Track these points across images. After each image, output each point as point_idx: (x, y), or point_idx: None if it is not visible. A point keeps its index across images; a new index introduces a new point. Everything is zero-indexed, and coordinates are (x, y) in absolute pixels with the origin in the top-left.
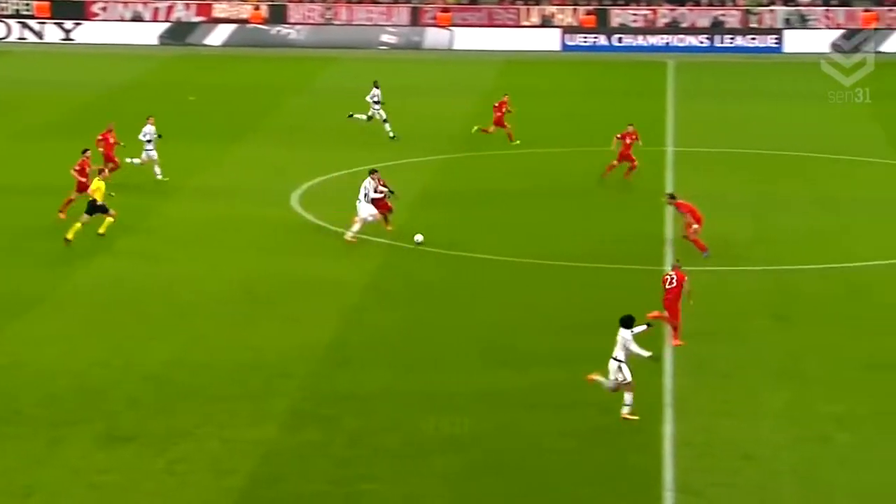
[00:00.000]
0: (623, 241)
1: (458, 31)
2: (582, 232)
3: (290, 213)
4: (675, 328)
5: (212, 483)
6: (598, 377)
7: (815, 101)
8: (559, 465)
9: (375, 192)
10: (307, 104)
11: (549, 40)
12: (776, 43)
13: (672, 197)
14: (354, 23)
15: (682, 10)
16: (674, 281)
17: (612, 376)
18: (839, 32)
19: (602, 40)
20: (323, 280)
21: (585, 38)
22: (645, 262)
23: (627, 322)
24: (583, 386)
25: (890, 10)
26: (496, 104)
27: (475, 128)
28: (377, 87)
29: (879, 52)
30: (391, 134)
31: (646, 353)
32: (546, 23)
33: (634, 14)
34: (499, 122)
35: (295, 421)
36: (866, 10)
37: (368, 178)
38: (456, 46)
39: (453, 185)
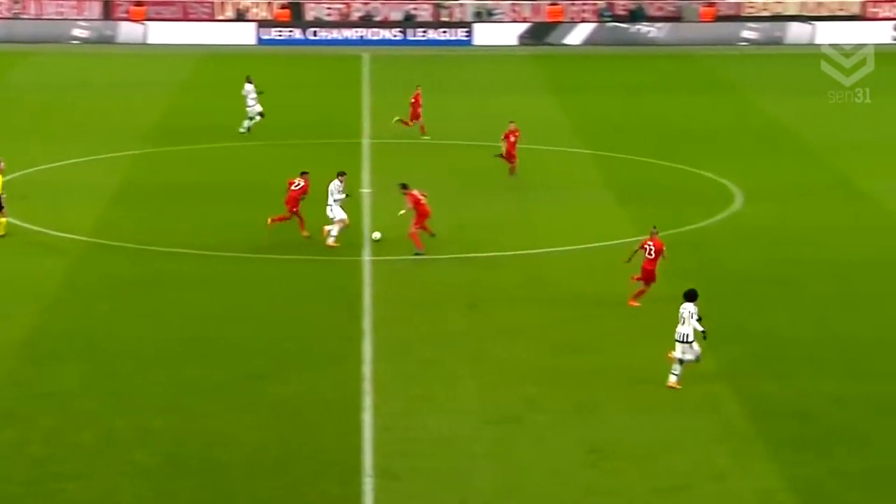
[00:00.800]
0: (321, 232)
1: (153, 26)
2: (279, 225)
3: None
4: (642, 293)
5: None
6: (674, 379)
7: (503, 93)
8: (259, 457)
9: (339, 192)
10: None
11: (244, 34)
12: (466, 36)
13: (404, 186)
14: (44, 17)
15: (375, 3)
16: (652, 251)
17: (688, 353)
18: (526, 26)
19: (297, 34)
20: (17, 277)
21: (280, 31)
22: (343, 254)
23: (693, 296)
24: (282, 377)
25: (572, 4)
26: (412, 98)
27: (396, 118)
28: (250, 83)
29: (563, 45)
30: (243, 129)
31: (702, 329)
32: (241, 17)
33: (329, 8)
34: (415, 116)
35: None
36: (552, 4)
37: (336, 180)
38: (150, 41)
39: (148, 180)
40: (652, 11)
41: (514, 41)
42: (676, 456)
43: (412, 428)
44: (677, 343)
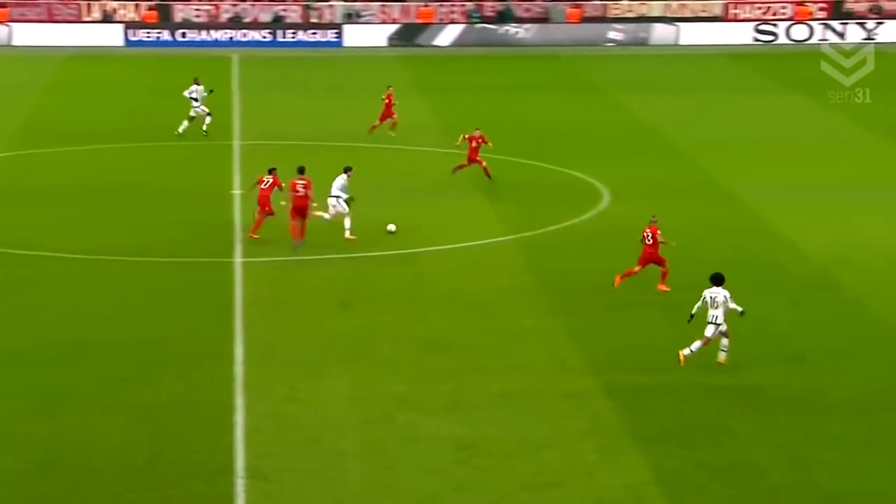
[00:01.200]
0: (193, 234)
1: (17, 27)
2: (150, 226)
3: None
4: (663, 274)
5: None
6: (686, 351)
7: (373, 94)
8: (127, 460)
9: (338, 189)
10: None
11: (111, 36)
12: (336, 37)
13: (301, 169)
14: None
15: (244, 5)
16: (650, 238)
17: (715, 332)
18: (395, 27)
19: (166, 35)
20: None
21: (149, 33)
22: (215, 255)
23: (721, 279)
24: (151, 379)
25: (441, 5)
26: (385, 98)
27: (385, 123)
28: (198, 84)
29: (433, 46)
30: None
31: (740, 308)
32: (108, 18)
33: (197, 9)
34: (386, 115)
35: None
36: (426, 5)
37: (343, 175)
38: (15, 42)
39: (15, 183)
40: (520, 13)
41: (383, 42)
42: (546, 452)
43: (283, 428)
44: (709, 325)
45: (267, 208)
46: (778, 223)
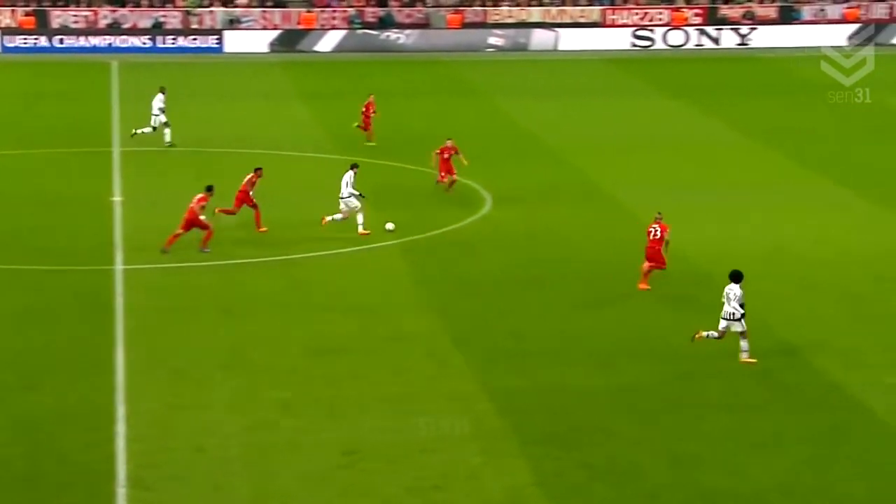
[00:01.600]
0: (72, 241)
1: None
2: (28, 234)
3: None
4: (660, 269)
5: None
6: (704, 333)
7: (254, 100)
8: (4, 472)
9: (348, 185)
10: None
11: None
12: (217, 43)
13: (209, 189)
14: None
15: (123, 11)
16: (657, 233)
17: (736, 325)
18: (277, 33)
19: (43, 41)
20: None
21: (25, 39)
22: (95, 262)
23: (739, 277)
24: (30, 389)
25: (323, 11)
26: (364, 106)
27: (355, 124)
28: (163, 93)
29: (314, 52)
30: (167, 141)
31: (742, 310)
32: None
33: (75, 15)
34: (368, 123)
35: None
36: (308, 11)
37: (350, 172)
38: None
39: None
40: (401, 18)
41: (265, 48)
42: (430, 455)
43: (166, 437)
44: (722, 320)
45: (244, 204)
46: None
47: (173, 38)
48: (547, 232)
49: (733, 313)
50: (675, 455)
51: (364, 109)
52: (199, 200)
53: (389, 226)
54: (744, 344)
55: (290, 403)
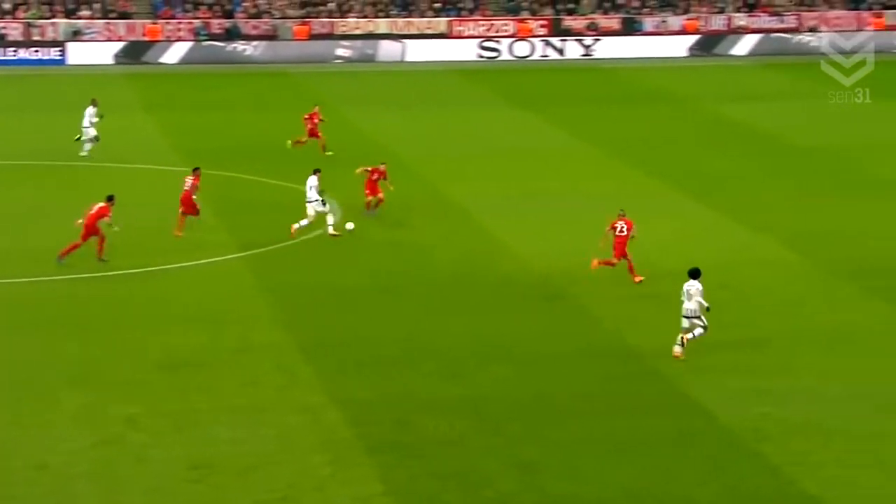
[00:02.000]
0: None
1: None
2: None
3: None
4: (630, 267)
5: None
6: (687, 336)
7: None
8: None
9: (312, 189)
10: None
11: None
12: (60, 55)
13: (110, 199)
14: None
15: None
16: (624, 229)
17: (697, 328)
18: (122, 45)
19: None
20: None
21: None
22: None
23: (698, 273)
24: None
25: (168, 23)
26: (307, 116)
27: (289, 141)
28: (95, 106)
29: (160, 63)
30: (85, 153)
31: (706, 304)
32: None
33: None
34: (312, 133)
35: None
36: (153, 23)
37: (313, 176)
38: None
39: None
40: (247, 30)
41: (109, 60)
42: (279, 467)
43: (7, 455)
44: (684, 318)
45: (189, 209)
46: (504, 235)
47: (14, 51)
48: (397, 242)
49: (694, 310)
50: (522, 462)
51: (308, 118)
52: (101, 210)
53: (349, 226)
54: (695, 333)
55: (138, 418)
